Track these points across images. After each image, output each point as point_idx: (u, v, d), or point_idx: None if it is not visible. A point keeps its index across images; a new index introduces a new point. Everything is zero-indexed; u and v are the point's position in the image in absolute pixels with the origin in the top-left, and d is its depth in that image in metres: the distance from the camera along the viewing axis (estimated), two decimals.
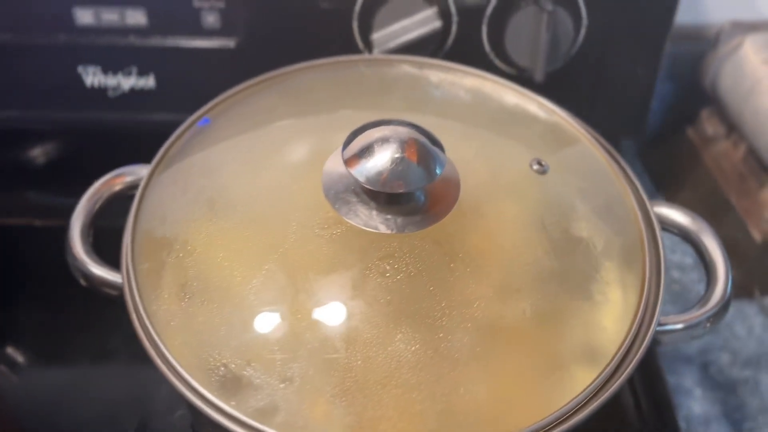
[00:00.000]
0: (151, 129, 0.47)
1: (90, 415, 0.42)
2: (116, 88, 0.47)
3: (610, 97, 0.48)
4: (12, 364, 0.44)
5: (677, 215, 0.35)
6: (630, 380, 0.47)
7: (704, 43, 0.55)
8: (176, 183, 0.34)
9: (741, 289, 0.49)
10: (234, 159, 0.34)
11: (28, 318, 0.47)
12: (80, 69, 0.46)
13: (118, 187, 0.35)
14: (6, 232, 0.50)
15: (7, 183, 0.52)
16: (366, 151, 0.30)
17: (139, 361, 0.46)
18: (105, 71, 0.47)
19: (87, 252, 0.33)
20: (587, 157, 0.36)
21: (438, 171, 0.30)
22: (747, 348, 0.46)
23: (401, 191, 0.29)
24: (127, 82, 0.47)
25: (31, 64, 0.46)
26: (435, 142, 0.30)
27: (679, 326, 0.32)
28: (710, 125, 0.55)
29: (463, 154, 0.33)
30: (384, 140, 0.30)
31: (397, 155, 0.29)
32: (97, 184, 0.35)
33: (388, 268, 0.29)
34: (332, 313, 0.28)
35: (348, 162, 0.30)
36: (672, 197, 0.55)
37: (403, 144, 0.30)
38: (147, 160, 0.36)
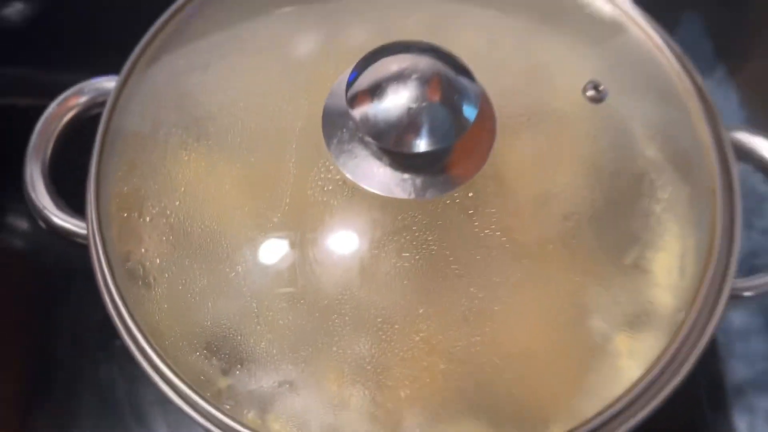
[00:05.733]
0: None
1: None
2: None
3: None
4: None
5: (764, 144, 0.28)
6: None
7: None
8: (148, 105, 0.27)
9: None
10: (223, 66, 0.27)
11: None
12: None
13: (75, 110, 0.29)
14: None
15: None
16: (374, 93, 0.23)
17: None
18: None
19: (50, 195, 0.28)
20: (655, 74, 0.28)
21: (470, 119, 0.23)
22: None
23: (421, 150, 0.23)
24: None
25: None
26: (467, 74, 0.23)
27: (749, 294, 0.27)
28: None
29: (499, 78, 0.26)
30: (399, 79, 0.23)
31: (414, 105, 0.23)
32: (50, 109, 0.29)
33: (404, 245, 0.23)
34: (334, 305, 0.23)
35: (352, 103, 0.23)
36: (737, 68, 0.47)
37: (425, 86, 0.23)
38: None
